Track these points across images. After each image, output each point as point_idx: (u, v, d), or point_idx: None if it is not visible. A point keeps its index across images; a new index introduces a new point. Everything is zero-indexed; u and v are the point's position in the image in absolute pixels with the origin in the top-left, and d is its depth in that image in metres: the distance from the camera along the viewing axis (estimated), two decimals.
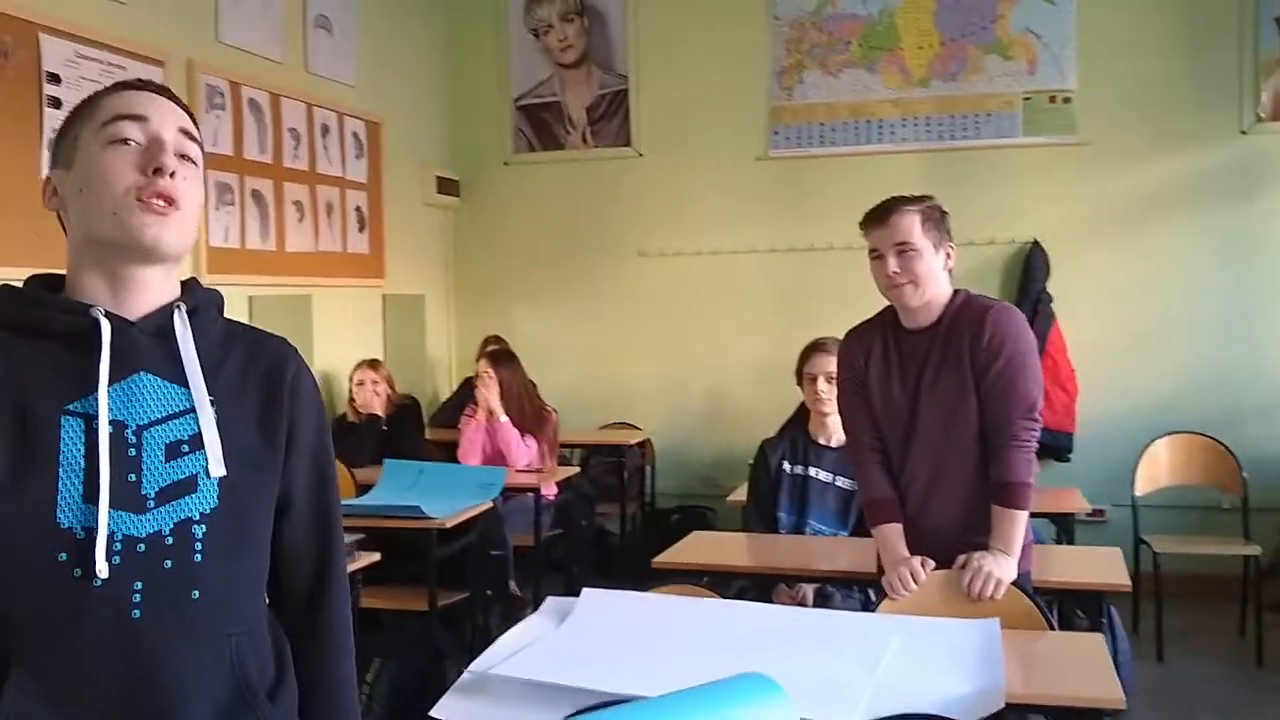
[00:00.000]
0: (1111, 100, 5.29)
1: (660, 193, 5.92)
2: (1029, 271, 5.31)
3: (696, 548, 3.25)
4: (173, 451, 1.15)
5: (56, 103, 3.48)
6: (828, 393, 3.42)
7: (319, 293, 4.90)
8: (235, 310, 1.28)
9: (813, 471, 3.51)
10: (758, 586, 3.17)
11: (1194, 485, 4.72)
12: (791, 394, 3.71)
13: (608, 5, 6.00)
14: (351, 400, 4.79)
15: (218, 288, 1.30)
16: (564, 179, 6.09)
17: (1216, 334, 5.18)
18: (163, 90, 1.23)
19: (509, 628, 2.12)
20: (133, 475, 1.13)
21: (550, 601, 2.24)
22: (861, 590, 3.18)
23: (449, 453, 4.84)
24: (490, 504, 3.99)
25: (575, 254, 6.07)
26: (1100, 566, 2.91)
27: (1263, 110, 5.13)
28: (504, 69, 6.16)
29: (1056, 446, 5.08)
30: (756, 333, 5.68)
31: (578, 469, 5.18)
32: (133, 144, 1.17)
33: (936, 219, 2.48)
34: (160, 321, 1.19)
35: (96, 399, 1.12)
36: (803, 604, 3.27)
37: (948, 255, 2.49)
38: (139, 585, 1.10)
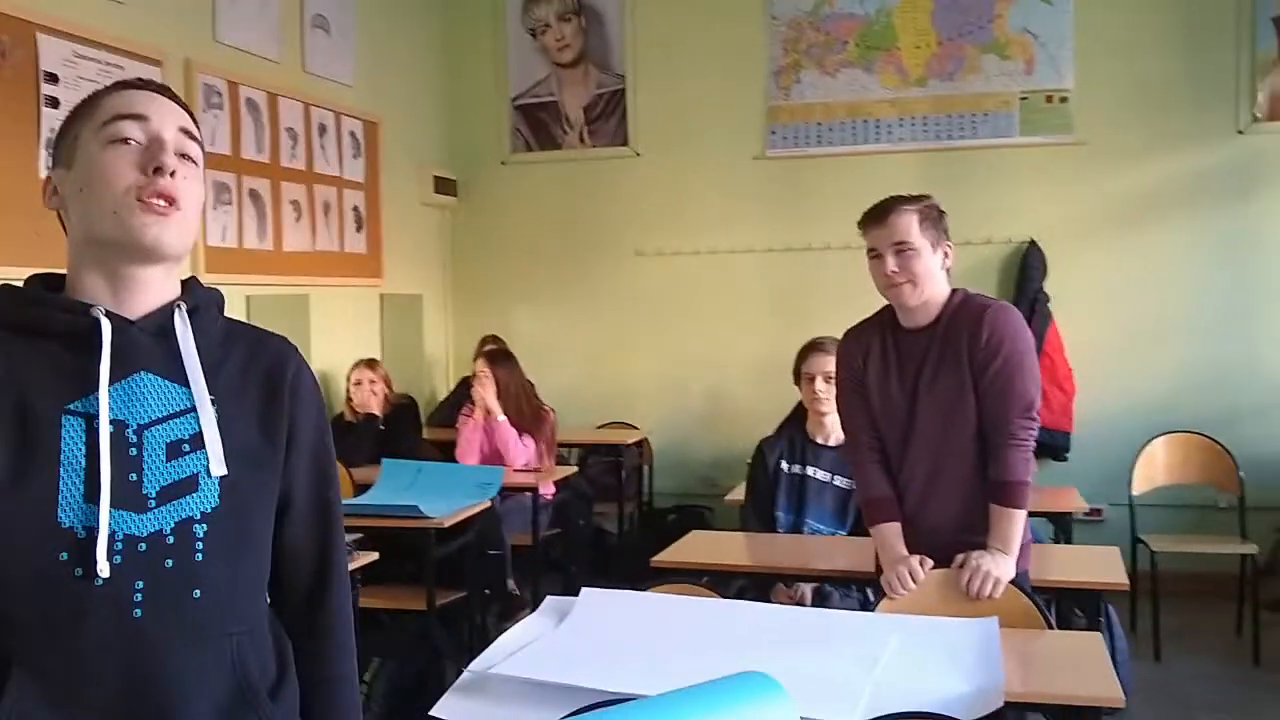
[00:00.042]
0: (1108, 100, 5.30)
1: (658, 192, 5.92)
2: (1026, 271, 5.31)
3: (695, 547, 3.25)
4: (174, 451, 1.15)
5: (54, 102, 3.48)
6: (825, 392, 3.42)
7: (316, 292, 4.90)
8: (233, 310, 1.28)
9: (810, 471, 3.51)
10: (756, 586, 3.17)
11: (1191, 484, 4.73)
12: (789, 393, 3.72)
13: (605, 5, 6.00)
14: (349, 400, 4.79)
15: (216, 287, 1.30)
16: (561, 179, 6.09)
17: (1213, 333, 5.18)
18: (163, 89, 1.23)
19: (507, 627, 2.13)
20: (134, 475, 1.13)
21: (550, 601, 2.24)
22: (860, 589, 3.18)
23: (447, 452, 4.84)
24: (488, 503, 3.99)
25: (573, 254, 6.07)
26: (1098, 566, 2.92)
27: (1259, 110, 5.14)
28: (501, 69, 6.16)
29: (1054, 446, 5.09)
30: (754, 332, 5.69)
31: (575, 468, 5.19)
32: (133, 143, 1.17)
33: (934, 218, 2.48)
34: (161, 321, 1.19)
35: (97, 398, 1.12)
36: (801, 603, 3.27)
37: (946, 254, 2.50)
38: (140, 585, 1.10)
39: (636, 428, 5.79)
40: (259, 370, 1.25)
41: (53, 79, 3.49)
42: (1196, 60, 5.20)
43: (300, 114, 4.82)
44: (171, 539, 1.13)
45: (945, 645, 2.01)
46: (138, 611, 1.10)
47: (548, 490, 4.78)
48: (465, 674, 1.89)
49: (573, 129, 6.08)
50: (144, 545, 1.11)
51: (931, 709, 1.72)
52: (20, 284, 1.21)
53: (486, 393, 4.67)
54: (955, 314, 2.47)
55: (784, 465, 3.54)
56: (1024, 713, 2.20)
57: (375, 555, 3.32)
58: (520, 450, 4.67)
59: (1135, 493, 4.59)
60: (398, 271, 5.62)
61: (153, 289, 1.19)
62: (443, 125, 6.19)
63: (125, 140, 1.16)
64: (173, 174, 1.16)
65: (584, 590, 2.24)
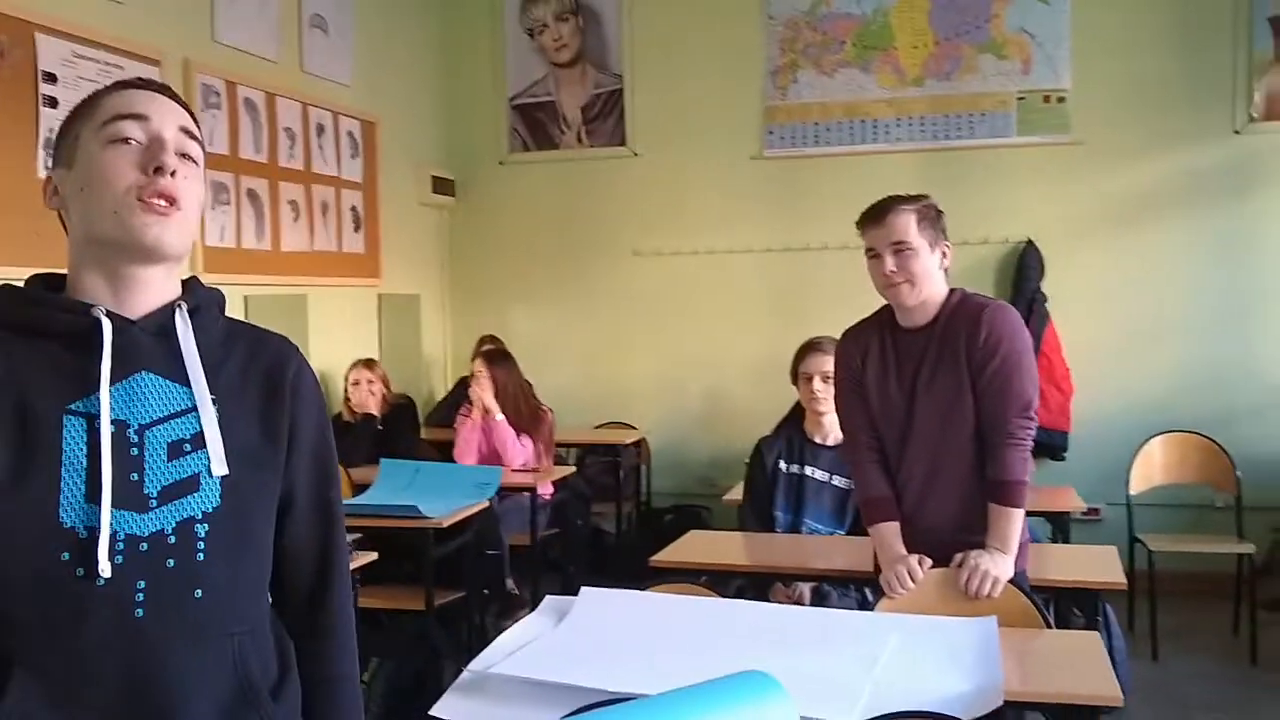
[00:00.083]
0: (1105, 100, 5.30)
1: (655, 192, 5.92)
2: (1023, 271, 5.31)
3: (693, 547, 3.25)
4: (175, 450, 1.15)
5: (53, 102, 3.47)
6: (823, 392, 3.42)
7: (314, 292, 4.90)
8: (231, 310, 1.28)
9: (809, 470, 3.51)
10: (754, 585, 3.17)
11: (1188, 484, 4.74)
12: (787, 393, 3.72)
13: (602, 5, 6.00)
14: (347, 400, 4.78)
15: (216, 287, 1.30)
16: (559, 178, 6.09)
17: (1210, 333, 5.19)
18: (164, 89, 1.23)
19: (505, 627, 2.13)
20: (135, 474, 1.13)
21: (549, 600, 2.24)
22: (858, 589, 3.18)
23: (445, 452, 4.84)
24: (486, 503, 3.99)
25: (570, 253, 6.07)
26: (1096, 565, 2.92)
27: (1256, 110, 5.15)
28: (499, 68, 6.16)
29: (1051, 445, 5.09)
30: (752, 332, 5.69)
31: (573, 468, 5.18)
32: (133, 143, 1.17)
33: (932, 218, 2.48)
34: (161, 320, 1.19)
35: (98, 398, 1.12)
36: (799, 603, 3.27)
37: (944, 254, 2.50)
38: (141, 584, 1.10)
39: (634, 428, 5.80)
40: (260, 370, 1.25)
41: (51, 79, 3.49)
42: (1193, 60, 5.20)
43: (298, 114, 4.82)
44: (173, 539, 1.13)
45: (944, 644, 2.01)
46: (139, 611, 1.10)
47: (546, 490, 4.78)
48: (464, 674, 1.89)
49: (570, 129, 6.08)
50: (145, 545, 1.11)
51: (931, 708, 1.72)
52: (20, 284, 1.21)
53: (484, 392, 4.67)
54: (953, 314, 2.48)
55: (782, 465, 3.54)
56: (1023, 712, 2.20)
57: (374, 555, 3.32)
58: (518, 450, 4.67)
59: (1133, 492, 4.60)
60: (396, 271, 5.62)
61: (153, 289, 1.19)
62: (440, 125, 6.19)
63: (126, 140, 1.16)
64: (173, 174, 1.16)
65: (583, 590, 2.24)
